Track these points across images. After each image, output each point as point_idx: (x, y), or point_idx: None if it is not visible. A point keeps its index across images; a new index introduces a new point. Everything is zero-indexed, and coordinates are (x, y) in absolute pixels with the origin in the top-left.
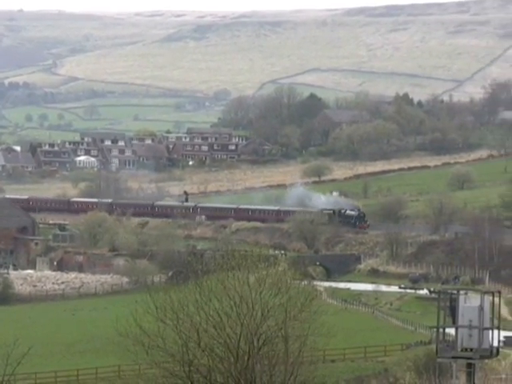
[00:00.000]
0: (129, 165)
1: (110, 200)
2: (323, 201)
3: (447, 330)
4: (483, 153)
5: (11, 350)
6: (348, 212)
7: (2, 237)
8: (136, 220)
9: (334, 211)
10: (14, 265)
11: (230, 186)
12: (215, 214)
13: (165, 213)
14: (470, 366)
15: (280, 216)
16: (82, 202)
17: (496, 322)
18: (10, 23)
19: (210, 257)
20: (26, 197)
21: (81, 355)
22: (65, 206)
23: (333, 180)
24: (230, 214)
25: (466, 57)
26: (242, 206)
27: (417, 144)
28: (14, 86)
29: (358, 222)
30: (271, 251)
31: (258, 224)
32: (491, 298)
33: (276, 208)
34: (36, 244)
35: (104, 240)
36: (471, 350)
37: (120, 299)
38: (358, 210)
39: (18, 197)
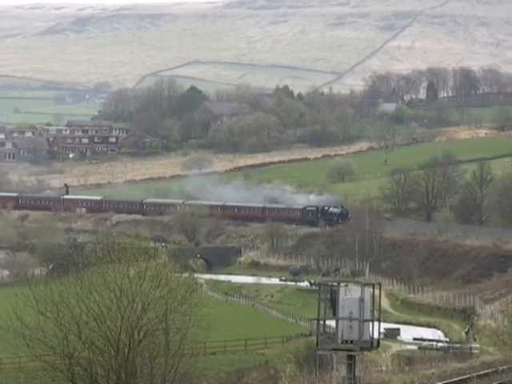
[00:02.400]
0: (9, 157)
1: None
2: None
3: (328, 322)
4: (363, 145)
5: None
6: (331, 209)
7: None
8: (16, 213)
9: (317, 208)
10: None
11: (110, 178)
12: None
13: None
14: (350, 357)
15: (265, 213)
16: None
17: (376, 313)
18: None
19: (91, 250)
20: None
21: None
22: None
23: (213, 172)
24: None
25: (346, 49)
26: (228, 203)
27: (297, 136)
28: None
29: (341, 219)
30: (151, 244)
31: (139, 217)
32: (371, 290)
33: (261, 205)
34: None
35: None
36: (352, 341)
37: (0, 292)
38: (341, 207)
39: None
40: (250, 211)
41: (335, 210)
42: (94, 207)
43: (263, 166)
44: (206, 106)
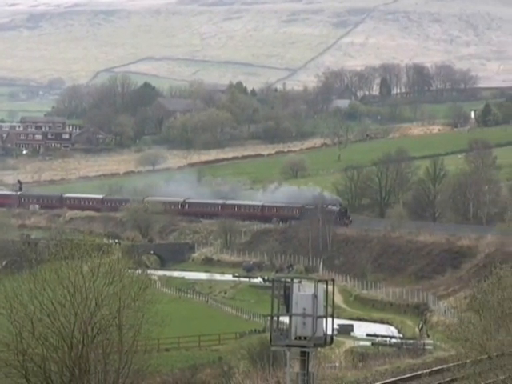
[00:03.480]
0: None
1: None
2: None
3: (281, 319)
4: (317, 141)
5: None
6: (330, 208)
7: None
8: None
9: (316, 206)
10: None
11: (64, 174)
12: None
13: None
14: (304, 354)
15: (264, 212)
16: None
17: (330, 310)
18: None
19: (44, 246)
20: None
21: None
22: None
23: (167, 169)
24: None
25: (300, 45)
26: (228, 202)
27: (250, 132)
28: None
29: (339, 218)
30: (105, 240)
31: (92, 213)
32: (325, 286)
33: (260, 203)
34: None
35: None
36: (305, 338)
37: None
38: (340, 205)
39: None
40: (249, 209)
41: (333, 208)
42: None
43: (217, 162)
44: (159, 103)
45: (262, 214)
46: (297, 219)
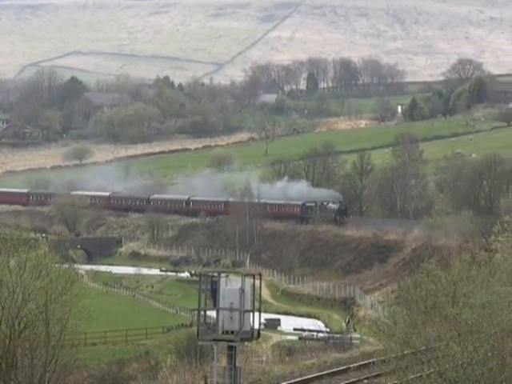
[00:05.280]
0: None
1: None
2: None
3: (208, 313)
4: (244, 135)
5: None
6: (329, 205)
7: None
8: None
9: (316, 204)
10: None
11: None
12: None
13: None
14: (231, 348)
15: (266, 209)
16: None
17: (257, 304)
18: None
19: None
20: None
21: None
22: None
23: (94, 163)
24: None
25: (227, 40)
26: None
27: (177, 127)
28: None
29: (339, 216)
30: (32, 234)
31: (19, 207)
32: (252, 280)
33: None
34: None
35: None
36: (232, 332)
37: None
38: (340, 202)
39: None
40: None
41: (333, 205)
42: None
43: (144, 156)
44: (86, 97)
45: (188, 208)
46: (298, 218)
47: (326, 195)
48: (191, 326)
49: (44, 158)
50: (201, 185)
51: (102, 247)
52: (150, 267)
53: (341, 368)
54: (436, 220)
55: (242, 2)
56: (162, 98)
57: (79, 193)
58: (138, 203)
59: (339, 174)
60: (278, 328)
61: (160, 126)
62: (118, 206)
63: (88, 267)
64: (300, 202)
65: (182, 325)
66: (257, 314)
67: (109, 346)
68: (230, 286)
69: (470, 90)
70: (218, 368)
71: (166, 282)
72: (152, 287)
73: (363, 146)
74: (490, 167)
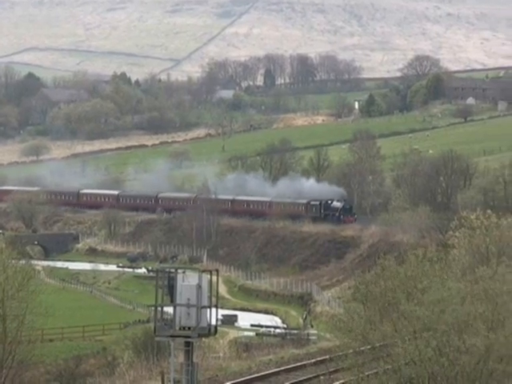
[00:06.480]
0: None
1: None
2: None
3: (165, 309)
4: (201, 132)
5: None
6: (334, 204)
7: None
8: None
9: (320, 203)
10: None
11: None
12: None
13: None
14: (188, 344)
15: (272, 208)
16: None
17: (214, 300)
18: None
19: None
20: None
21: None
22: None
23: (51, 159)
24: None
25: (184, 36)
26: (238, 198)
27: (134, 123)
28: None
29: (343, 215)
30: None
31: None
32: (209, 276)
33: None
34: None
35: None
36: (189, 328)
37: None
38: (344, 200)
39: None
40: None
41: (337, 204)
42: None
43: (100, 152)
44: (43, 93)
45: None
46: (303, 216)
47: (328, 191)
48: (148, 321)
49: (1, 155)
50: (157, 181)
51: (59, 243)
52: (107, 263)
53: (298, 364)
54: (393, 216)
55: None
56: (119, 95)
57: (87, 191)
58: (146, 202)
59: (296, 170)
60: (235, 324)
61: (117, 122)
62: (127, 204)
63: (45, 263)
64: (305, 201)
65: (139, 321)
66: (214, 309)
67: (66, 342)
68: (187, 281)
69: (427, 86)
70: (175, 364)
71: (123, 278)
72: (109, 283)
73: (320, 142)
74: (446, 163)
